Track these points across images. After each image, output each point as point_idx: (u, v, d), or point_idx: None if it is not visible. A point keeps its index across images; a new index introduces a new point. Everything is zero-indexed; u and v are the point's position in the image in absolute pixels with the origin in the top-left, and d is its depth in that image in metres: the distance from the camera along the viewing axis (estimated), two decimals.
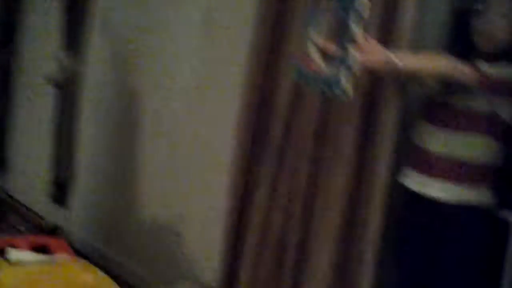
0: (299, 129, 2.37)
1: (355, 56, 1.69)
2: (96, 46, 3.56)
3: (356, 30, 1.69)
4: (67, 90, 3.67)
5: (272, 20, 2.47)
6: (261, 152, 2.51)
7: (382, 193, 2.16)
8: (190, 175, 3.06)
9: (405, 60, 1.84)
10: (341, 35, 1.72)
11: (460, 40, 2.08)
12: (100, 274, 2.49)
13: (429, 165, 2.06)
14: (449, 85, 2.02)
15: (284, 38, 2.43)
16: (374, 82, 2.15)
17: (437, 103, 2.08)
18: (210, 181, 2.95)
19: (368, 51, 1.76)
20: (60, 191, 3.79)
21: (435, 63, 1.90)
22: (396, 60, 1.82)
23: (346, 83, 1.69)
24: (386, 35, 2.11)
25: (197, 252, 3.02)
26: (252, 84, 2.54)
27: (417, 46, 2.12)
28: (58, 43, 3.73)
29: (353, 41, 1.69)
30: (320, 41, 1.91)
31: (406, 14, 2.09)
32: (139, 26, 3.34)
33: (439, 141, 2.04)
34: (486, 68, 1.92)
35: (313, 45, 1.90)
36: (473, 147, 2.01)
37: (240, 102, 2.59)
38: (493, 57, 1.98)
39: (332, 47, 1.86)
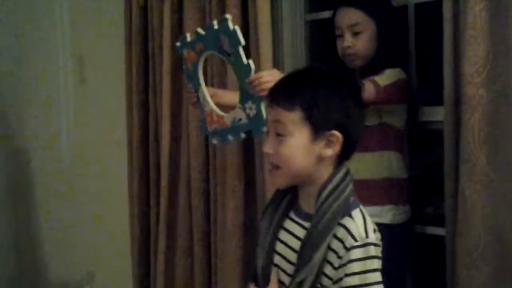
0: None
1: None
2: None
3: (250, 63, 1.67)
4: None
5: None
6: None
7: None
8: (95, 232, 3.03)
9: None
10: (238, 75, 1.70)
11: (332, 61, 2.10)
12: None
13: None
14: None
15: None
16: None
17: None
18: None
19: (270, 76, 1.64)
20: None
21: None
22: None
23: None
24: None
25: None
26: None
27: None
28: None
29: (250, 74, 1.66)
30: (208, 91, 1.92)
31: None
32: None
33: None
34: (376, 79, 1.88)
35: (206, 98, 1.90)
36: (371, 164, 1.96)
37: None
38: (370, 71, 1.94)
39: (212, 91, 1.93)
